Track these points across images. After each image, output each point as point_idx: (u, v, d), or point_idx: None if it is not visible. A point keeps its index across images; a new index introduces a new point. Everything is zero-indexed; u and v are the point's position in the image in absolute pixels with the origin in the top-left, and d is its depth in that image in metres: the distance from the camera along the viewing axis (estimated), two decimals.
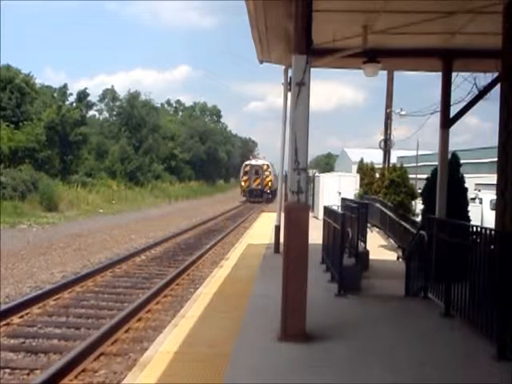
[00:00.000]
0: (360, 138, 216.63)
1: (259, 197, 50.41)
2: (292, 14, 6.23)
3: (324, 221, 11.12)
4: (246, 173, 51.74)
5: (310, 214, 7.52)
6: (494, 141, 7.54)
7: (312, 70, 5.98)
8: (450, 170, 10.61)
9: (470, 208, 11.49)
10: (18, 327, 8.25)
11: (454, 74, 11.20)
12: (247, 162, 54.50)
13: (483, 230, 6.16)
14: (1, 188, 26.89)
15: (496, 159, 7.52)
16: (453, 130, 10.31)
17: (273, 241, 13.29)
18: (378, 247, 15.47)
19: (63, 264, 14.21)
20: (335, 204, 14.62)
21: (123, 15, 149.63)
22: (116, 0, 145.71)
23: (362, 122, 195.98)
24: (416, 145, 40.75)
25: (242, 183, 52.28)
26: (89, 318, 8.97)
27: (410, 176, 20.59)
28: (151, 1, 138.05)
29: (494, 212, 8.19)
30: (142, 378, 4.84)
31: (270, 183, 50.71)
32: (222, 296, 8.21)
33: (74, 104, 45.88)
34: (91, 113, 54.90)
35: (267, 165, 51.75)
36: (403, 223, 14.82)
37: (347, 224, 9.28)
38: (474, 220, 11.81)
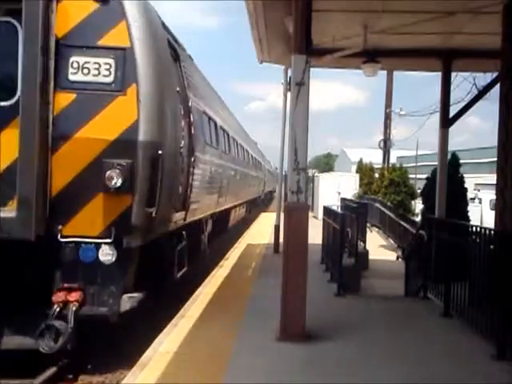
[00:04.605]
0: (360, 138, 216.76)
1: None
2: (292, 14, 6.23)
3: (323, 221, 11.12)
4: None
5: (310, 214, 7.53)
6: (494, 141, 7.54)
7: (312, 69, 5.98)
8: (450, 170, 10.62)
9: (469, 208, 11.51)
10: None
11: (453, 74, 11.22)
12: None
13: (483, 230, 6.16)
14: None
15: (496, 159, 7.52)
16: (453, 129, 10.32)
17: (272, 240, 13.29)
18: (378, 247, 15.47)
19: None
20: (335, 204, 14.64)
21: None
22: None
23: (362, 122, 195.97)
24: (416, 145, 40.82)
25: None
26: None
27: (410, 176, 20.63)
28: (152, 1, 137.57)
29: (493, 212, 8.20)
30: (141, 378, 4.83)
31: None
32: (222, 296, 8.20)
33: None
34: None
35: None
36: (403, 223, 14.82)
37: (347, 224, 9.28)
38: (474, 220, 11.84)
